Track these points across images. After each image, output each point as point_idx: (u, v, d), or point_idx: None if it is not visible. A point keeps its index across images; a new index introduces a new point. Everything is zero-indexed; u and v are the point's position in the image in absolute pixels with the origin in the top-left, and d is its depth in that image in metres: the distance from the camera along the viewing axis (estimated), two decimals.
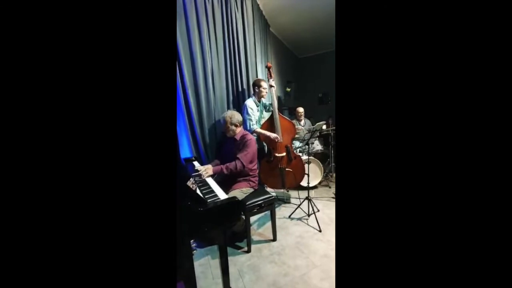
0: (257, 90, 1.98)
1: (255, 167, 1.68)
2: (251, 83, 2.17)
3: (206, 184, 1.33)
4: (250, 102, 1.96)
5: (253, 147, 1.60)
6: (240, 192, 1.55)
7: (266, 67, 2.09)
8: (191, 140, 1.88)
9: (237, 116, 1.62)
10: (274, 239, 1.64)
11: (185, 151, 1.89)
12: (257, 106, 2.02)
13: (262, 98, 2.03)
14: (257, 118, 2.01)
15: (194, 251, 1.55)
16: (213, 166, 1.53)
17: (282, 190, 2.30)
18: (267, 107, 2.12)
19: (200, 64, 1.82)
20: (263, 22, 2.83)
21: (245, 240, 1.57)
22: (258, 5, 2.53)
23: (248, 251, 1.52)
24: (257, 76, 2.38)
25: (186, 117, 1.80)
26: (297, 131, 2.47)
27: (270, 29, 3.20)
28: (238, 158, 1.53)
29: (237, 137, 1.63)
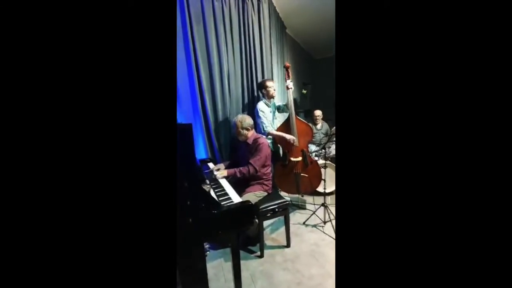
0: (264, 92, 1.93)
1: (269, 170, 1.65)
2: None
3: (221, 186, 1.34)
4: (261, 105, 1.92)
5: (265, 151, 1.57)
6: (254, 195, 1.53)
7: (284, 67, 2.01)
8: (206, 141, 1.91)
9: (248, 120, 1.60)
10: (288, 246, 1.59)
11: (201, 152, 1.92)
12: (269, 107, 1.97)
13: (272, 99, 1.97)
14: (270, 120, 1.96)
15: (207, 252, 1.56)
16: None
17: (297, 195, 2.24)
18: (281, 108, 2.06)
19: (217, 66, 1.85)
20: (279, 24, 2.81)
21: (258, 245, 1.55)
22: (274, 7, 2.52)
23: (261, 256, 1.50)
24: (272, 78, 2.35)
25: (202, 119, 1.83)
26: (313, 134, 2.40)
27: (286, 30, 3.18)
28: (250, 163, 1.52)
29: (249, 141, 1.61)
